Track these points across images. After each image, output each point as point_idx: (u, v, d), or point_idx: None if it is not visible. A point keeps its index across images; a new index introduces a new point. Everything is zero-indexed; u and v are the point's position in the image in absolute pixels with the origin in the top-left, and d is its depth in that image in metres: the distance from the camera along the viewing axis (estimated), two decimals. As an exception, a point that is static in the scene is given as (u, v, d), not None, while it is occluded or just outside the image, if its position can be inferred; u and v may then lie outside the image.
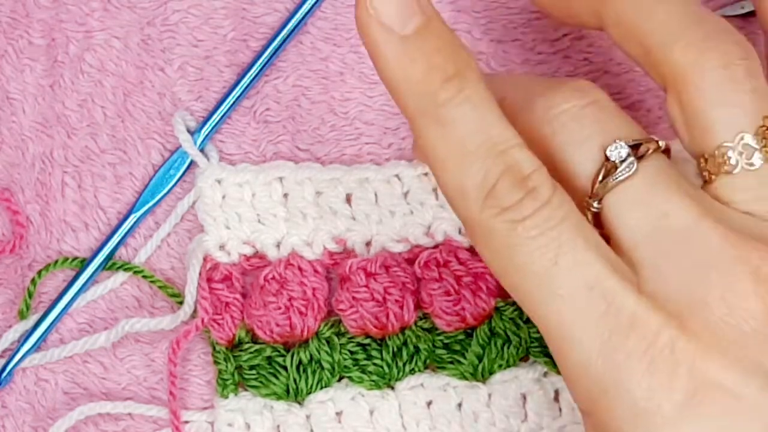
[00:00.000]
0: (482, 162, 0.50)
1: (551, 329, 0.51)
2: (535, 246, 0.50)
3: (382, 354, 0.66)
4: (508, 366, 0.66)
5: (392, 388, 0.66)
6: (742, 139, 0.53)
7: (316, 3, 0.68)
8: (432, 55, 0.49)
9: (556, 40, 0.68)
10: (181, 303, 0.67)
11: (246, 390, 0.66)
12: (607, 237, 0.53)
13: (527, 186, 0.50)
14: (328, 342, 0.66)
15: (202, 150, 0.68)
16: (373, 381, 0.66)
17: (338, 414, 0.66)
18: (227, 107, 0.68)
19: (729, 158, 0.53)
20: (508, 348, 0.66)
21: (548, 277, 0.51)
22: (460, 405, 0.66)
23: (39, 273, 0.67)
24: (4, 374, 0.67)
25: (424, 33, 0.49)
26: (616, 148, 0.52)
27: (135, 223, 0.68)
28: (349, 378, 0.66)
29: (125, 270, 0.68)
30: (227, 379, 0.66)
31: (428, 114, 0.49)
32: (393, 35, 0.48)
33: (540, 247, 0.50)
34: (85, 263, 0.67)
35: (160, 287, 0.67)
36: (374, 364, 0.66)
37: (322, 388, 0.66)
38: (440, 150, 0.50)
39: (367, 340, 0.66)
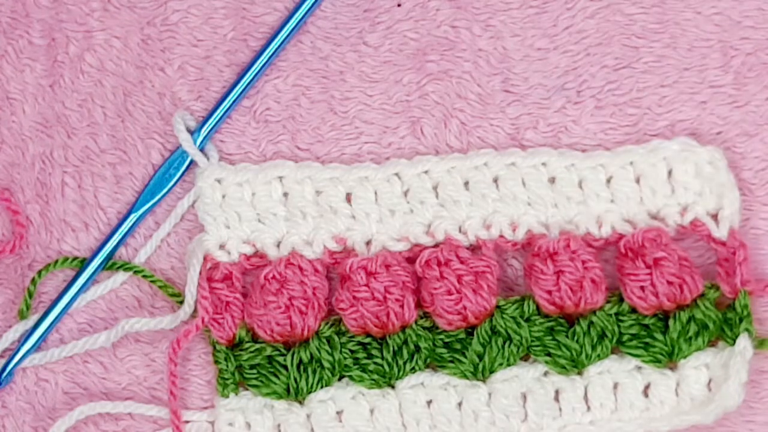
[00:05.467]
0: None
1: None
2: None
3: (382, 353, 0.66)
4: (509, 365, 0.66)
5: (392, 387, 0.66)
6: None
7: (316, 2, 0.68)
8: None
9: (555, 36, 0.67)
10: (181, 303, 0.67)
11: (246, 389, 0.66)
12: None
13: None
14: (328, 341, 0.66)
15: (202, 150, 0.67)
16: (373, 380, 0.66)
17: (339, 413, 0.66)
18: (227, 107, 0.67)
19: None
20: (509, 347, 0.65)
21: None
22: (460, 404, 0.66)
23: (39, 273, 0.67)
24: (5, 374, 0.67)
25: None
26: None
27: (135, 223, 0.68)
28: (350, 377, 0.66)
29: (125, 270, 0.68)
30: (228, 379, 0.66)
31: None
32: None
33: None
34: (85, 263, 0.67)
35: (160, 287, 0.67)
36: (375, 363, 0.66)
37: (322, 387, 0.66)
38: None
39: (368, 339, 0.66)
